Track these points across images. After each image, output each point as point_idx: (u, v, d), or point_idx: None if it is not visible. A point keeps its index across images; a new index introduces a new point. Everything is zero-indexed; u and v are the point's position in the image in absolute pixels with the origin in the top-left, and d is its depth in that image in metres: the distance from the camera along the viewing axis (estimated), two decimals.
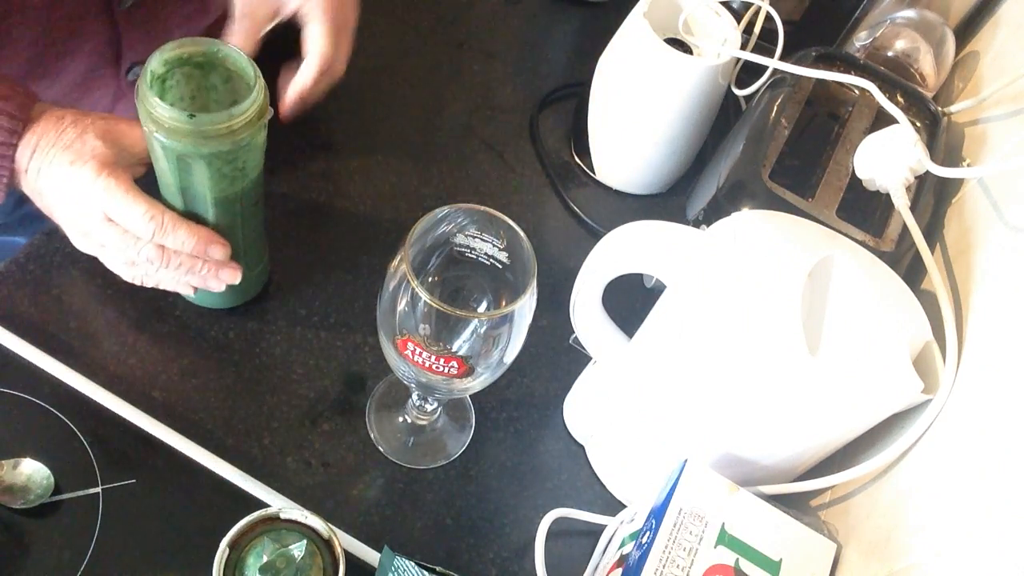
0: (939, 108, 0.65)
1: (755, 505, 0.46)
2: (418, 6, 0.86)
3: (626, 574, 0.46)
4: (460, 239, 0.48)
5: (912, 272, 0.56)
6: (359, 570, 0.51)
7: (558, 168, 0.77)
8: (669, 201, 0.78)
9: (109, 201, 0.49)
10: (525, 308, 0.45)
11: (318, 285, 0.64)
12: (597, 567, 0.54)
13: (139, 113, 0.46)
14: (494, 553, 0.56)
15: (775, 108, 0.63)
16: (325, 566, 0.45)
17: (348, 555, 0.49)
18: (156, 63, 0.48)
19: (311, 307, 0.63)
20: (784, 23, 0.67)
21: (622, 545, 0.51)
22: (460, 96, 0.80)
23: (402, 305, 0.45)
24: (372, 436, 0.59)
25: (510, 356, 0.48)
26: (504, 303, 0.49)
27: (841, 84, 0.65)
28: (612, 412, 0.58)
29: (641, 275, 0.63)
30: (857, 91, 0.65)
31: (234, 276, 0.55)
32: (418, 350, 0.45)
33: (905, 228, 0.55)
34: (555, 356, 0.65)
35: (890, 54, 0.72)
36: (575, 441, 0.62)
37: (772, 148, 0.61)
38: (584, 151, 0.77)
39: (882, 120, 0.62)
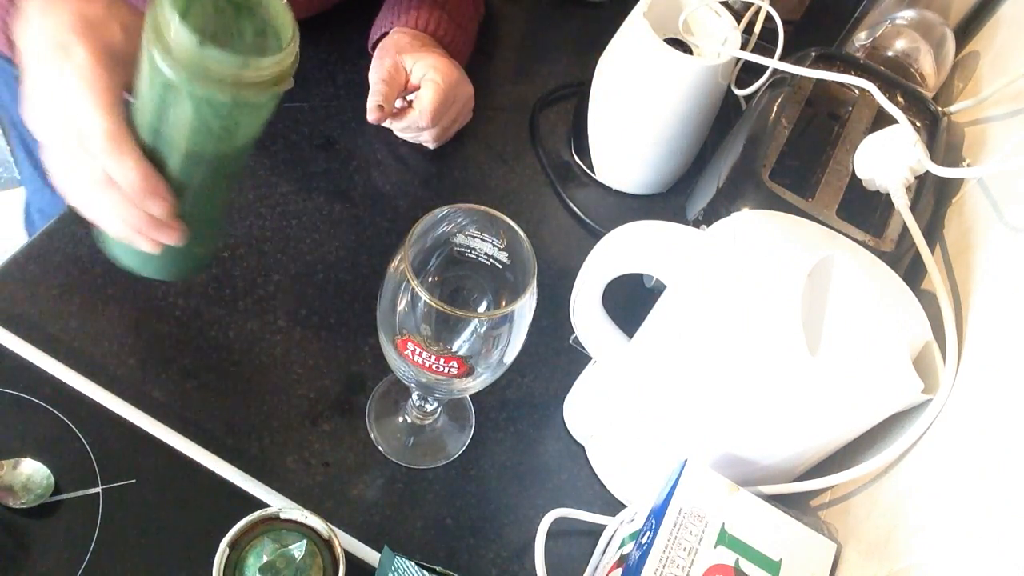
0: (939, 108, 0.65)
1: (755, 505, 0.46)
2: None
3: (626, 574, 0.46)
4: (460, 239, 0.48)
5: (912, 272, 0.56)
6: (359, 570, 0.51)
7: (558, 168, 0.77)
8: (669, 201, 0.78)
9: (80, 95, 0.42)
10: (525, 308, 0.45)
11: (318, 285, 0.64)
12: (597, 567, 0.54)
13: (145, 19, 0.39)
14: (494, 553, 0.56)
15: (775, 108, 0.63)
16: (325, 566, 0.45)
17: (348, 555, 0.49)
18: None
19: (311, 307, 0.63)
20: (784, 23, 0.67)
21: (622, 545, 0.50)
22: None
23: (402, 305, 0.45)
24: (372, 436, 0.59)
25: (510, 356, 0.48)
26: (504, 303, 0.49)
27: (841, 84, 0.65)
28: (612, 412, 0.58)
29: (641, 275, 0.63)
30: (857, 91, 0.65)
31: (170, 237, 0.47)
32: (418, 350, 0.45)
33: (905, 228, 0.55)
34: (555, 356, 0.65)
35: (890, 54, 0.72)
36: (575, 441, 0.62)
37: (772, 148, 0.61)
38: (584, 151, 0.77)
39: (882, 120, 0.62)
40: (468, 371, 0.47)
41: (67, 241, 0.62)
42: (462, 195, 0.73)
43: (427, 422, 0.60)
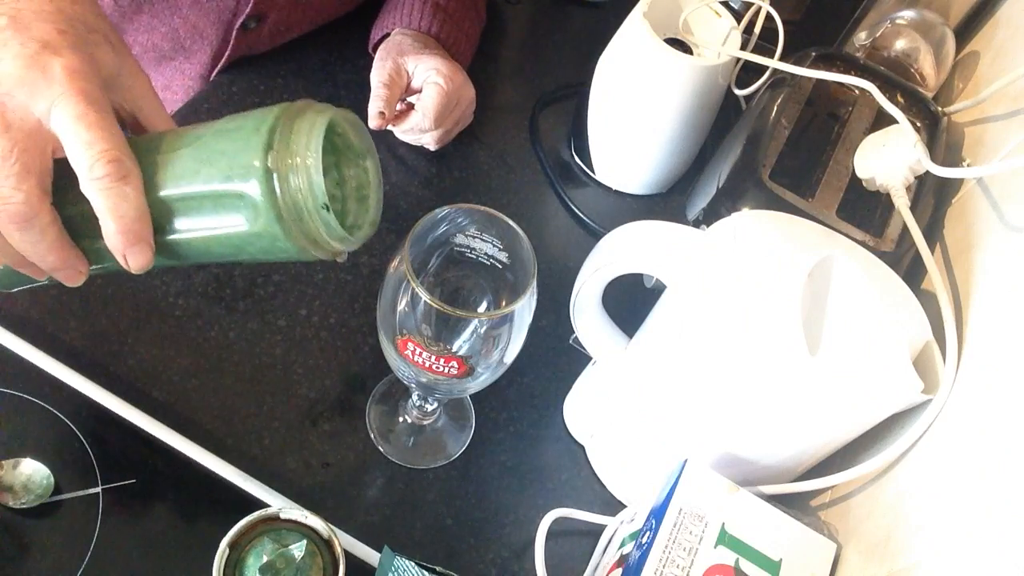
0: (939, 108, 0.65)
1: (755, 505, 0.46)
2: None
3: (626, 574, 0.46)
4: (460, 239, 0.48)
5: (912, 272, 0.56)
6: (359, 570, 0.51)
7: (558, 168, 0.77)
8: (669, 201, 0.78)
9: (65, 109, 0.35)
10: (525, 308, 0.45)
11: (318, 285, 0.64)
12: (597, 567, 0.54)
13: (257, 126, 0.36)
14: (494, 553, 0.56)
15: (775, 108, 0.63)
16: (325, 566, 0.45)
17: (348, 555, 0.49)
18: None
19: (311, 307, 0.63)
20: (784, 23, 0.67)
21: (622, 545, 0.50)
22: None
23: (402, 305, 0.45)
24: (372, 436, 0.59)
25: (510, 356, 0.48)
26: (504, 303, 0.49)
27: (841, 84, 0.65)
28: (612, 412, 0.58)
29: (641, 275, 0.63)
30: (857, 91, 0.65)
31: (66, 277, 0.39)
32: (418, 350, 0.45)
33: (905, 228, 0.55)
34: (555, 356, 0.65)
35: (890, 54, 0.72)
36: (575, 441, 0.62)
37: (772, 148, 0.61)
38: (584, 151, 0.77)
39: (882, 120, 0.62)
40: (468, 371, 0.47)
41: None
42: (462, 195, 0.73)
43: (427, 422, 0.60)
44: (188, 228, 0.37)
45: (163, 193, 0.37)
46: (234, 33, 0.69)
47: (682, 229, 0.51)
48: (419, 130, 0.70)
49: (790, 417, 0.46)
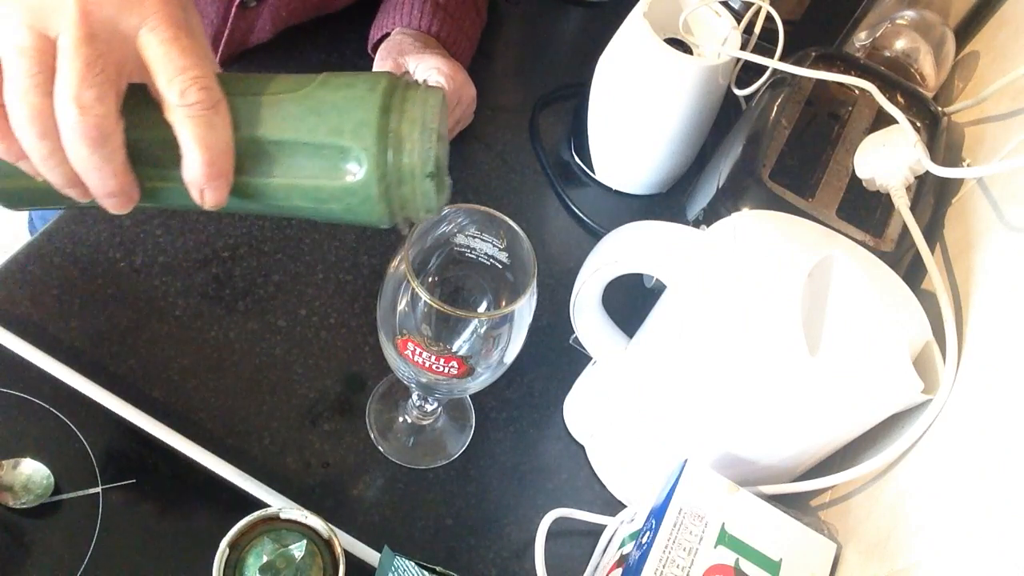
0: (939, 108, 0.65)
1: (755, 505, 0.46)
2: None
3: (626, 574, 0.46)
4: (460, 239, 0.48)
5: (912, 272, 0.56)
6: (359, 570, 0.51)
7: (558, 168, 0.77)
8: (669, 201, 0.78)
9: (157, 31, 0.34)
10: (525, 308, 0.45)
11: (318, 285, 0.64)
12: (597, 567, 0.54)
13: (395, 131, 0.36)
14: (494, 553, 0.56)
15: (775, 108, 0.63)
16: (325, 566, 0.45)
17: (348, 555, 0.49)
18: None
19: (311, 307, 0.63)
20: (784, 23, 0.67)
21: (622, 545, 0.50)
22: None
23: (402, 305, 0.45)
24: (372, 436, 0.59)
25: (510, 356, 0.48)
26: (504, 303, 0.49)
27: (841, 84, 0.65)
28: (612, 412, 0.58)
29: (641, 275, 0.63)
30: (857, 91, 0.65)
31: (117, 204, 0.37)
32: (418, 350, 0.45)
33: (905, 228, 0.55)
34: (555, 356, 0.65)
35: (890, 54, 0.72)
36: (575, 441, 0.62)
37: (772, 148, 0.61)
38: (584, 151, 0.77)
39: (882, 120, 0.62)
40: (468, 371, 0.47)
41: (67, 241, 0.62)
42: (462, 195, 0.73)
43: (427, 422, 0.60)
44: (273, 173, 0.37)
45: (253, 134, 0.36)
46: (233, 10, 0.69)
47: (682, 229, 0.51)
48: None
49: (790, 417, 0.46)
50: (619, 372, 0.57)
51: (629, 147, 0.73)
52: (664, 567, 0.43)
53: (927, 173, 0.55)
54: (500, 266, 0.49)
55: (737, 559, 0.44)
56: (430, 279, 0.50)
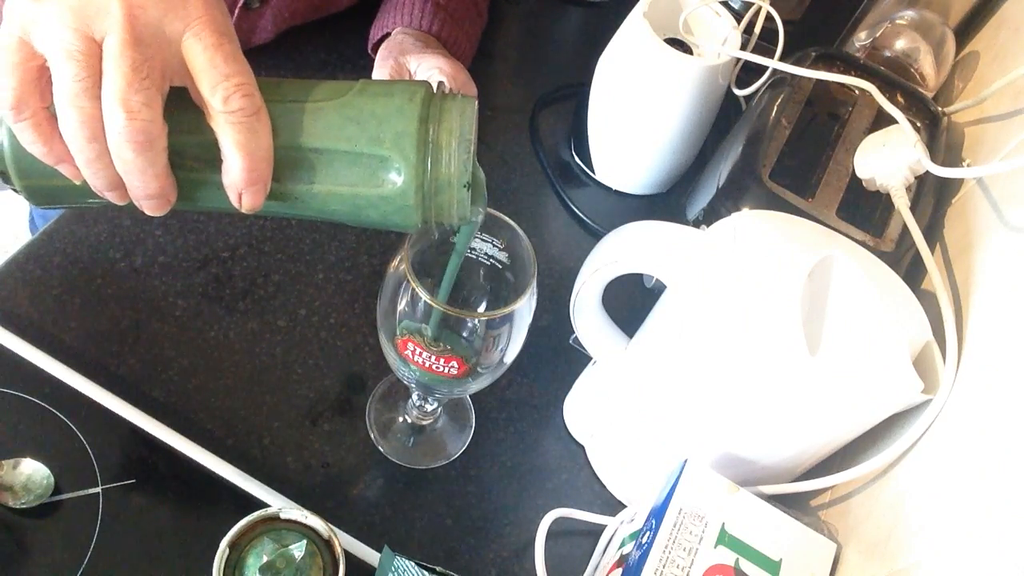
0: (939, 108, 0.65)
1: (755, 505, 0.46)
2: None
3: (626, 574, 0.46)
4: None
5: (912, 272, 0.56)
6: (359, 570, 0.51)
7: (558, 168, 0.77)
8: (669, 201, 0.78)
9: (202, 36, 0.34)
10: (525, 308, 0.45)
11: (318, 285, 0.64)
12: (597, 567, 0.54)
13: (434, 141, 0.37)
14: (494, 553, 0.56)
15: (775, 108, 0.63)
16: (325, 566, 0.45)
17: (348, 555, 0.49)
18: None
19: (311, 307, 0.63)
20: (784, 23, 0.67)
21: (622, 545, 0.50)
22: None
23: (402, 305, 0.45)
24: (372, 436, 0.59)
25: (510, 356, 0.48)
26: (504, 303, 0.49)
27: (841, 84, 0.65)
28: (612, 412, 0.58)
29: (641, 275, 0.63)
30: (857, 91, 0.65)
31: (155, 206, 0.37)
32: (418, 350, 0.45)
33: (905, 228, 0.55)
34: (555, 356, 0.65)
35: (890, 54, 0.72)
36: (575, 441, 0.62)
37: (772, 148, 0.61)
38: (584, 151, 0.77)
39: (882, 120, 0.62)
40: (468, 371, 0.47)
41: (67, 241, 0.62)
42: None
43: (427, 422, 0.60)
44: (311, 180, 0.37)
45: (293, 141, 0.36)
46: (236, 12, 0.69)
47: (682, 229, 0.51)
48: None
49: (790, 417, 0.46)
50: (619, 372, 0.57)
51: (629, 147, 0.73)
52: (664, 567, 0.43)
53: (927, 173, 0.55)
54: (500, 266, 0.49)
55: (737, 559, 0.44)
56: (430, 279, 0.50)
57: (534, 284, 0.44)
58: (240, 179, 0.35)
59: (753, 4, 0.70)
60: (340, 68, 0.77)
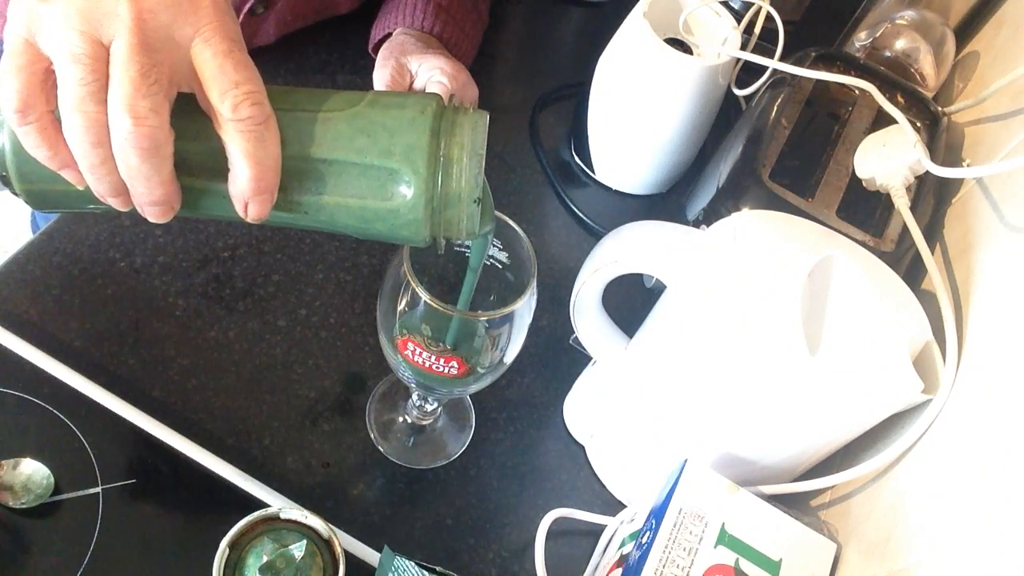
0: (939, 108, 0.65)
1: (755, 505, 0.46)
2: None
3: (626, 574, 0.46)
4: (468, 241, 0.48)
5: (912, 272, 0.56)
6: (359, 570, 0.51)
7: (558, 168, 0.77)
8: (669, 201, 0.78)
9: (212, 42, 0.34)
10: (525, 308, 0.45)
11: (318, 285, 0.64)
12: (597, 567, 0.54)
13: (446, 155, 0.37)
14: (494, 553, 0.56)
15: (775, 108, 0.63)
16: (325, 566, 0.45)
17: (348, 555, 0.49)
18: None
19: (311, 307, 0.63)
20: (784, 23, 0.67)
21: (622, 545, 0.50)
22: None
23: (402, 305, 0.45)
24: (372, 436, 0.59)
25: (510, 356, 0.48)
26: (504, 303, 0.49)
27: (841, 84, 0.65)
28: (612, 412, 0.58)
29: (641, 275, 0.63)
30: (857, 91, 0.65)
31: (159, 213, 0.36)
32: (418, 350, 0.45)
33: (905, 228, 0.55)
34: (555, 356, 0.65)
35: (890, 54, 0.72)
36: (575, 441, 0.62)
37: (772, 148, 0.61)
38: (584, 151, 0.77)
39: (882, 120, 0.62)
40: (468, 371, 0.47)
41: (67, 241, 0.62)
42: None
43: (427, 422, 0.60)
44: (319, 191, 0.37)
45: (302, 151, 0.36)
46: (241, 18, 0.69)
47: (682, 229, 0.51)
48: None
49: (790, 417, 0.46)
50: (619, 372, 0.57)
51: (629, 147, 0.73)
52: (664, 567, 0.43)
53: (927, 173, 0.55)
54: (500, 266, 0.49)
55: (737, 559, 0.44)
56: (430, 279, 0.50)
57: (534, 284, 0.44)
58: (247, 188, 0.35)
59: (753, 4, 0.70)
60: (341, 69, 0.77)
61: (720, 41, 0.69)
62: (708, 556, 0.44)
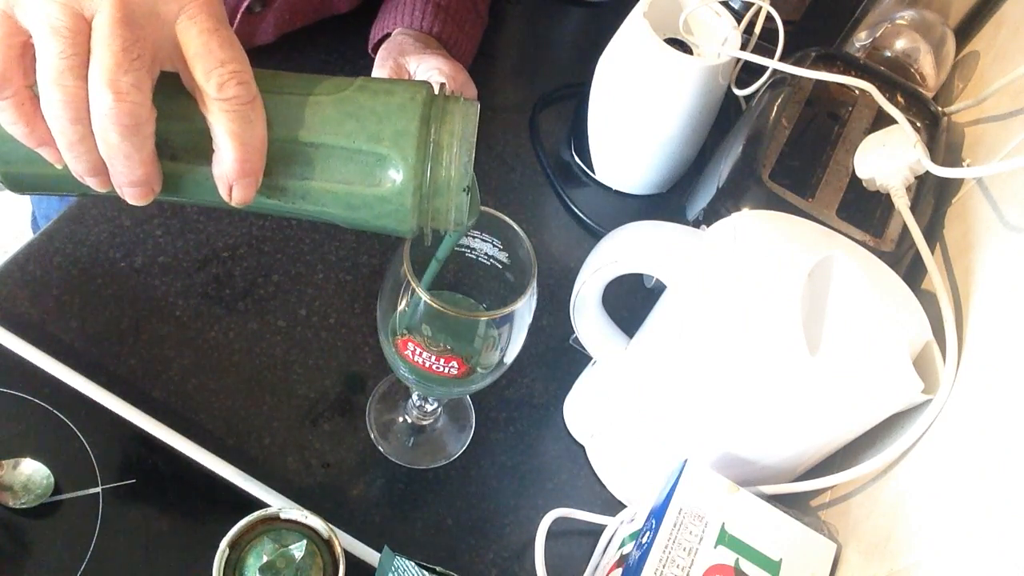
0: (939, 108, 0.65)
1: (755, 505, 0.46)
2: None
3: (626, 574, 0.46)
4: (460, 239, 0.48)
5: (912, 272, 0.56)
6: (359, 570, 0.51)
7: (558, 168, 0.77)
8: (669, 201, 0.78)
9: (197, 20, 0.33)
10: (525, 308, 0.45)
11: (318, 285, 0.64)
12: (597, 567, 0.54)
13: (435, 142, 0.36)
14: (494, 553, 0.56)
15: (775, 108, 0.63)
16: (325, 566, 0.45)
17: (348, 555, 0.49)
18: None
19: (311, 307, 0.63)
20: (784, 23, 0.67)
21: (622, 545, 0.51)
22: None
23: (402, 305, 0.45)
24: (372, 436, 0.59)
25: (510, 356, 0.48)
26: (504, 303, 0.49)
27: (841, 84, 0.65)
28: (612, 412, 0.58)
29: (641, 275, 0.63)
30: (857, 91, 0.65)
31: (138, 194, 0.35)
32: (418, 350, 0.45)
33: (905, 228, 0.55)
34: (555, 356, 0.65)
35: (890, 54, 0.72)
36: (575, 441, 0.62)
37: (772, 148, 0.61)
38: (584, 151, 0.77)
39: (882, 120, 0.62)
40: (468, 371, 0.47)
41: (67, 241, 0.62)
42: None
43: (427, 422, 0.60)
44: (305, 176, 0.36)
45: (288, 134, 0.35)
46: (239, 16, 0.69)
47: (682, 229, 0.51)
48: None
49: (790, 417, 0.46)
50: (619, 372, 0.57)
51: (629, 147, 0.73)
52: (664, 567, 0.43)
53: (927, 173, 0.55)
54: (500, 266, 0.49)
55: (737, 559, 0.44)
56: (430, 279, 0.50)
57: (534, 284, 0.44)
58: (232, 170, 0.34)
59: (753, 4, 0.70)
60: (340, 69, 0.77)
61: (720, 41, 0.69)
62: (708, 556, 0.44)
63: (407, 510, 0.56)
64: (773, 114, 0.62)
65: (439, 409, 0.60)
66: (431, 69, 0.68)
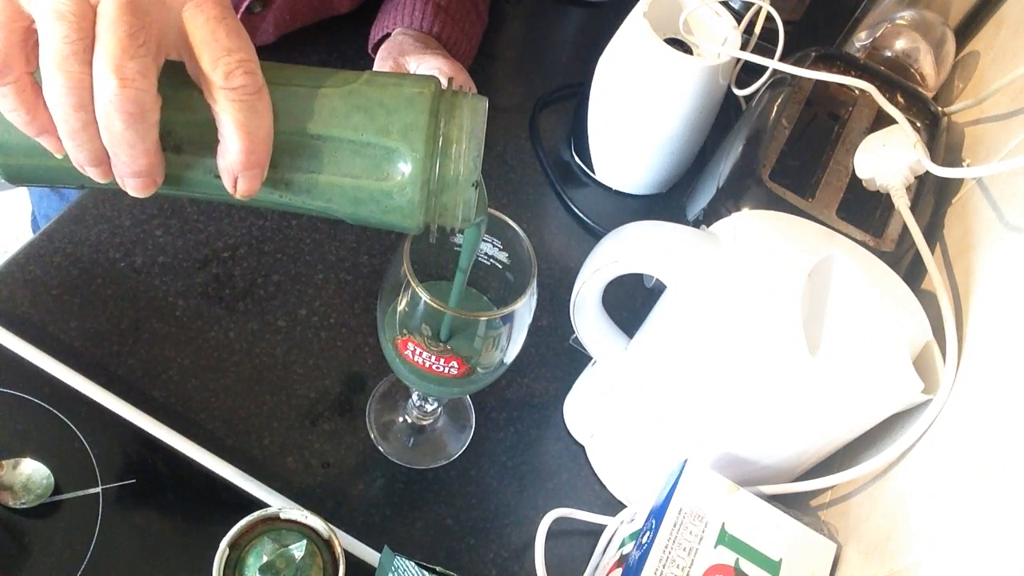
0: (939, 108, 0.65)
1: (755, 505, 0.46)
2: None
3: (626, 574, 0.46)
4: (460, 239, 0.48)
5: (912, 272, 0.56)
6: (359, 570, 0.51)
7: (558, 168, 0.77)
8: (669, 201, 0.78)
9: (205, 7, 0.32)
10: (525, 308, 0.45)
11: (318, 285, 0.64)
12: (597, 567, 0.54)
13: (445, 135, 0.36)
14: (494, 553, 0.56)
15: (775, 108, 0.63)
16: (325, 566, 0.45)
17: (348, 555, 0.49)
18: None
19: (311, 307, 0.63)
20: (784, 23, 0.67)
21: (622, 545, 0.51)
22: None
23: (402, 305, 0.45)
24: (372, 436, 0.59)
25: (510, 356, 0.48)
26: (504, 303, 0.49)
27: (841, 84, 0.65)
28: (612, 412, 0.58)
29: (641, 275, 0.63)
30: (857, 91, 0.65)
31: (140, 185, 0.34)
32: (418, 350, 0.45)
33: (905, 228, 0.55)
34: (555, 356, 0.65)
35: (890, 54, 0.72)
36: (575, 441, 0.62)
37: (772, 148, 0.61)
38: (584, 151, 0.77)
39: (882, 120, 0.62)
40: (468, 371, 0.47)
41: (67, 241, 0.62)
42: None
43: (427, 422, 0.60)
44: (311, 169, 0.35)
45: (295, 126, 0.34)
46: (239, 16, 0.69)
47: (682, 229, 0.51)
48: None
49: (790, 417, 0.46)
50: (619, 372, 0.57)
51: (629, 147, 0.73)
52: (664, 567, 0.43)
53: (927, 173, 0.55)
54: (500, 266, 0.49)
55: (737, 559, 0.44)
56: (430, 279, 0.50)
57: (534, 284, 0.44)
58: (237, 161, 0.33)
59: (753, 4, 0.70)
60: (340, 68, 0.77)
61: (720, 41, 0.69)
62: (708, 556, 0.44)
63: (407, 510, 0.56)
64: (773, 114, 0.62)
65: (439, 409, 0.60)
66: (431, 69, 0.68)
